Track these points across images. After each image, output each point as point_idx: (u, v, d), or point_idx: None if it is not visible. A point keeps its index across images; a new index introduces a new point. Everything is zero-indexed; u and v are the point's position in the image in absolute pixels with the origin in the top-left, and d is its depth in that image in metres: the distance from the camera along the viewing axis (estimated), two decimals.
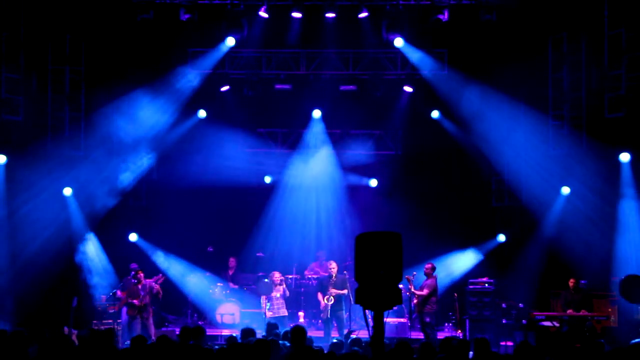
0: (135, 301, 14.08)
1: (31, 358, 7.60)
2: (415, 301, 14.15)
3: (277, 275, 14.60)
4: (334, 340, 9.94)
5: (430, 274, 14.25)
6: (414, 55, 16.17)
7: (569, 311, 14.07)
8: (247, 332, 9.56)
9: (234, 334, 10.41)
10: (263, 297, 14.50)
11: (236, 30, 15.83)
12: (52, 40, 15.63)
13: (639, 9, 14.08)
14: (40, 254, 14.97)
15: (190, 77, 16.40)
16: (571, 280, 14.41)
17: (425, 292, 14.03)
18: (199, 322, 16.10)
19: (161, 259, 16.49)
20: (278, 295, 14.45)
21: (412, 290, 14.02)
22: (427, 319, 14.04)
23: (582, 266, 14.80)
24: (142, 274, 14.31)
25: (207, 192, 16.99)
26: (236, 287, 16.31)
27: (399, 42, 15.86)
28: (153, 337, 13.07)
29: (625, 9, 14.22)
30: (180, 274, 16.39)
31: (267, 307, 14.33)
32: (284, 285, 14.54)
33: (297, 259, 16.96)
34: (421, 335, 14.22)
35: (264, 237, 17.27)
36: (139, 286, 14.19)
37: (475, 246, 16.63)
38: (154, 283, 14.35)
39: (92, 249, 15.96)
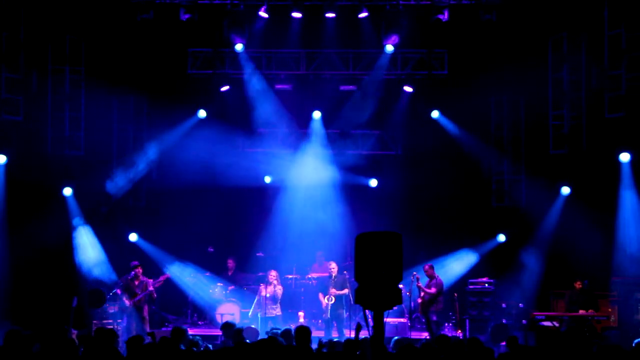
0: (126, 298, 14.05)
1: (34, 354, 7.59)
2: (420, 300, 14.19)
3: (272, 275, 14.68)
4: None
5: (432, 274, 14.33)
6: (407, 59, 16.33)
7: (581, 311, 13.90)
8: (250, 332, 9.57)
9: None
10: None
11: (237, 31, 15.82)
12: (52, 40, 15.64)
13: (639, 9, 14.09)
14: (40, 254, 14.98)
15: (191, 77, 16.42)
16: (577, 282, 14.33)
17: (433, 290, 14.18)
18: (199, 322, 16.12)
19: (170, 264, 16.40)
20: (268, 295, 14.47)
21: (423, 288, 14.10)
22: (435, 318, 14.23)
23: (582, 266, 14.79)
24: (140, 270, 14.24)
25: (207, 192, 16.97)
26: (234, 286, 16.31)
27: (390, 48, 15.88)
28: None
29: (625, 9, 14.22)
30: (180, 273, 16.37)
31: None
32: (274, 285, 14.53)
33: (297, 259, 16.93)
34: (421, 335, 14.23)
35: (264, 237, 17.22)
36: (136, 282, 14.12)
37: (475, 246, 16.61)
38: (150, 282, 14.28)
39: (92, 249, 15.94)
